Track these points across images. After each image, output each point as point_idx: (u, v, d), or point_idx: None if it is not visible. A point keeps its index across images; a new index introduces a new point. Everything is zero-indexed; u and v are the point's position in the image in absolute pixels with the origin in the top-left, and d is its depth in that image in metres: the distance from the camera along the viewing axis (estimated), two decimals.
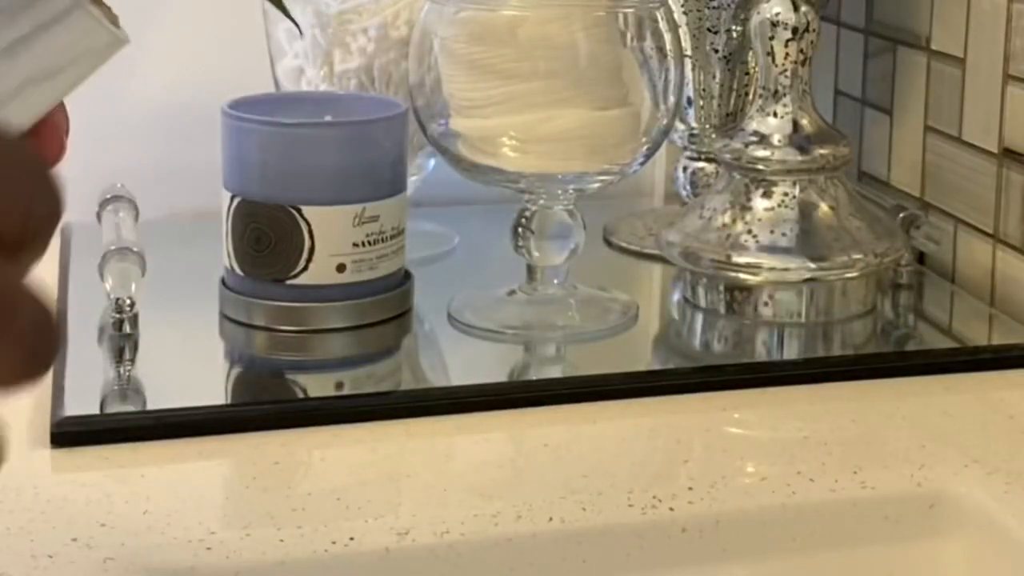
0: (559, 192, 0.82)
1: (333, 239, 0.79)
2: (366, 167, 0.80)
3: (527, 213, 0.82)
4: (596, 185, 0.82)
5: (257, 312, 0.80)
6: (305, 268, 0.79)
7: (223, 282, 0.82)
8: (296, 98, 0.89)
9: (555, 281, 0.83)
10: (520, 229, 0.82)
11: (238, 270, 0.80)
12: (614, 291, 0.87)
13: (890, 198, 0.96)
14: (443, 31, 0.82)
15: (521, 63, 0.80)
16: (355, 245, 0.79)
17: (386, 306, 0.81)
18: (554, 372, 0.81)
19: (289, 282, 0.79)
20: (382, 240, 0.80)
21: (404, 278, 0.82)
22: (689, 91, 0.96)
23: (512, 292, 0.84)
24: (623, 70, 0.81)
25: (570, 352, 0.81)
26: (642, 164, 0.83)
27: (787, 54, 0.83)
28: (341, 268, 0.79)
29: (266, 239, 0.79)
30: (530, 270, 0.83)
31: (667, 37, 0.82)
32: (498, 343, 0.81)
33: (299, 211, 0.78)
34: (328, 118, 0.83)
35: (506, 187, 0.82)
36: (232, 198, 0.80)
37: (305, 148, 0.79)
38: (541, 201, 0.82)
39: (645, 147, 0.82)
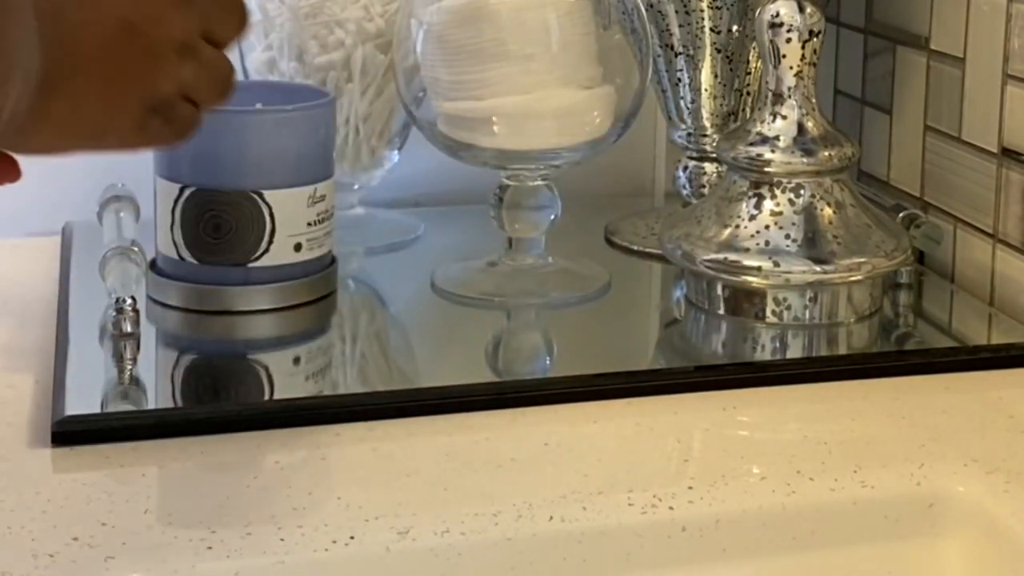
0: (538, 167, 0.87)
1: (291, 220, 0.82)
2: (315, 150, 0.84)
3: (506, 187, 0.88)
4: (575, 159, 0.88)
5: (215, 297, 0.82)
6: (267, 250, 0.82)
7: (156, 270, 0.84)
8: (244, 87, 0.89)
9: (533, 252, 0.89)
10: (499, 202, 0.88)
11: (190, 258, 0.82)
12: (587, 263, 0.93)
13: (890, 198, 0.96)
14: (427, 17, 0.86)
15: (502, 46, 0.84)
16: (308, 224, 0.83)
17: (327, 282, 0.86)
18: (533, 339, 0.86)
19: (251, 265, 0.82)
20: (327, 219, 0.84)
21: (331, 258, 0.87)
22: (690, 90, 0.96)
23: (492, 263, 0.90)
24: (599, 52, 0.87)
25: (544, 318, 0.87)
26: (614, 141, 0.89)
27: (793, 56, 0.83)
28: (298, 247, 0.83)
29: (227, 225, 0.81)
30: (509, 242, 0.89)
31: (637, 20, 0.88)
32: (479, 309, 0.87)
33: (261, 195, 0.81)
34: (259, 105, 0.85)
35: (486, 164, 0.87)
36: (182, 188, 0.81)
37: (261, 134, 0.82)
38: (522, 175, 0.88)
39: (619, 125, 0.88)
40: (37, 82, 0.53)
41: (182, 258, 0.82)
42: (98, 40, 0.55)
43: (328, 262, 0.86)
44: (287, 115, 0.83)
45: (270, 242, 0.82)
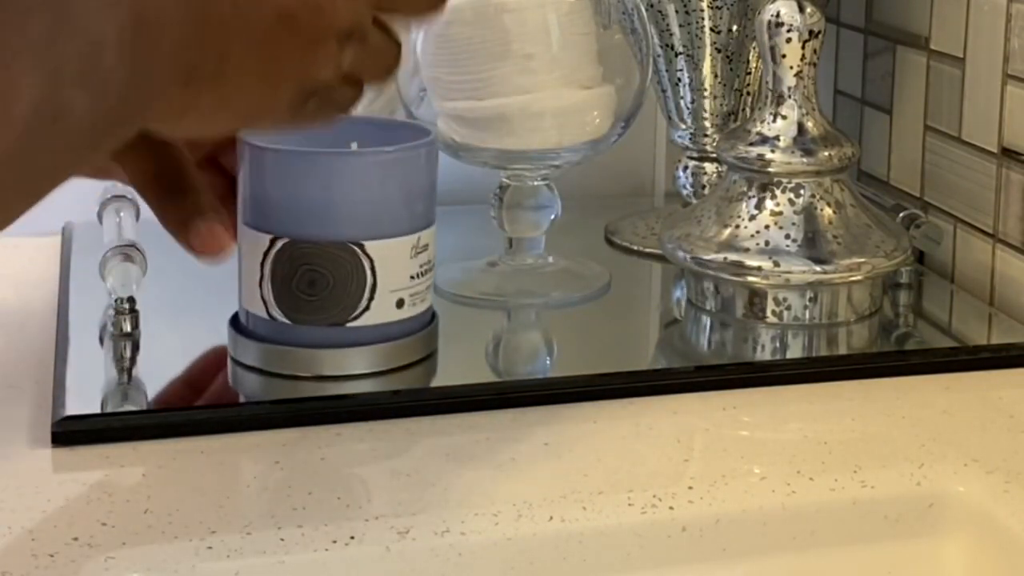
0: (538, 167, 0.88)
1: (394, 274, 0.74)
2: (420, 194, 0.75)
3: (506, 187, 0.88)
4: (575, 159, 0.88)
5: (308, 361, 0.74)
6: (367, 308, 0.74)
7: (240, 328, 0.76)
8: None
9: (533, 252, 0.89)
10: (499, 202, 0.88)
11: (281, 317, 0.74)
12: (587, 263, 0.92)
13: (890, 198, 0.96)
14: None
15: (502, 46, 0.84)
16: (412, 278, 0.75)
17: (429, 342, 0.77)
18: (533, 339, 0.85)
19: (349, 325, 0.74)
20: (430, 270, 0.76)
21: (432, 314, 0.78)
22: (690, 90, 0.96)
23: (492, 263, 0.90)
24: (599, 52, 0.87)
25: (544, 318, 0.87)
26: (614, 142, 0.89)
27: (793, 56, 0.83)
28: (400, 304, 0.75)
29: (323, 281, 0.73)
30: (509, 242, 0.89)
31: (637, 20, 0.88)
32: (479, 309, 0.86)
33: (361, 247, 0.73)
34: (354, 145, 0.75)
35: (486, 164, 0.87)
36: (273, 239, 0.72)
37: (362, 178, 0.73)
38: (522, 175, 0.88)
39: (619, 125, 0.88)
40: (183, 77, 0.50)
41: (272, 317, 0.73)
42: (254, 34, 0.52)
43: (429, 319, 0.77)
44: (391, 157, 0.74)
45: (371, 298, 0.73)
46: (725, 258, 0.82)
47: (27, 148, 0.41)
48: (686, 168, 0.98)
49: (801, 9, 0.83)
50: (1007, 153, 0.88)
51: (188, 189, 0.66)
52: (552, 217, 0.88)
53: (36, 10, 0.38)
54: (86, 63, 0.41)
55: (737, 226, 0.83)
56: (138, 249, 0.80)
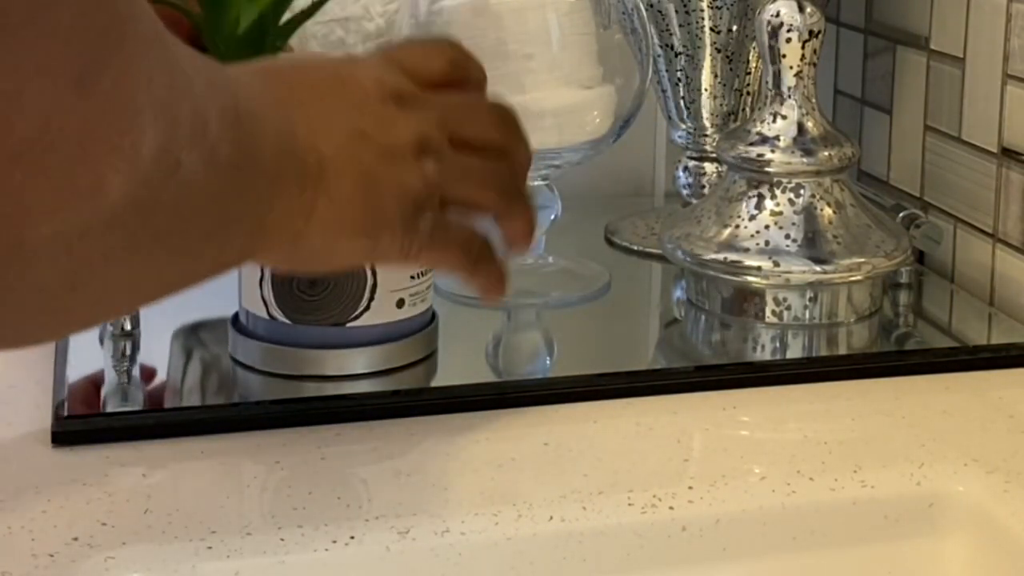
0: (538, 167, 0.87)
1: (394, 274, 0.74)
2: None
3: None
4: (575, 159, 0.87)
5: (308, 361, 0.74)
6: (367, 308, 0.74)
7: (239, 328, 0.76)
8: None
9: (533, 252, 0.88)
10: None
11: (281, 317, 0.74)
12: (587, 263, 0.92)
13: (890, 198, 0.96)
14: (427, 17, 0.86)
15: (502, 46, 0.84)
16: (412, 278, 0.75)
17: (428, 342, 0.77)
18: (533, 339, 0.85)
19: (350, 325, 0.74)
20: (431, 270, 0.76)
21: (432, 314, 0.78)
22: (690, 90, 0.96)
23: None
24: (599, 52, 0.87)
25: (544, 318, 0.86)
26: (614, 142, 0.88)
27: (793, 56, 0.83)
28: (400, 304, 0.75)
29: (323, 281, 0.73)
30: None
31: (637, 20, 0.88)
32: (479, 309, 0.84)
33: None
34: None
35: None
36: None
37: None
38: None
39: (619, 125, 0.88)
40: (293, 177, 0.55)
41: (272, 317, 0.74)
42: (337, 148, 0.58)
43: (429, 319, 0.77)
44: None
45: (371, 298, 0.74)
46: (725, 258, 0.82)
47: (155, 199, 0.45)
48: (686, 168, 0.98)
49: (801, 9, 0.83)
50: (1007, 153, 0.88)
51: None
52: (552, 217, 0.88)
53: (156, 75, 0.44)
54: (196, 128, 0.46)
55: (737, 226, 0.83)
56: None
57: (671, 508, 0.64)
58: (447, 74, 0.65)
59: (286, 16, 0.87)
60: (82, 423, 0.69)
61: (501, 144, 0.65)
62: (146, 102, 0.43)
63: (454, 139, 0.63)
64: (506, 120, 0.66)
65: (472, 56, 0.67)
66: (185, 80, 0.46)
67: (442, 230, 0.62)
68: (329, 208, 0.57)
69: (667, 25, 0.95)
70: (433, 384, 0.77)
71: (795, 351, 0.82)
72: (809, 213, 0.83)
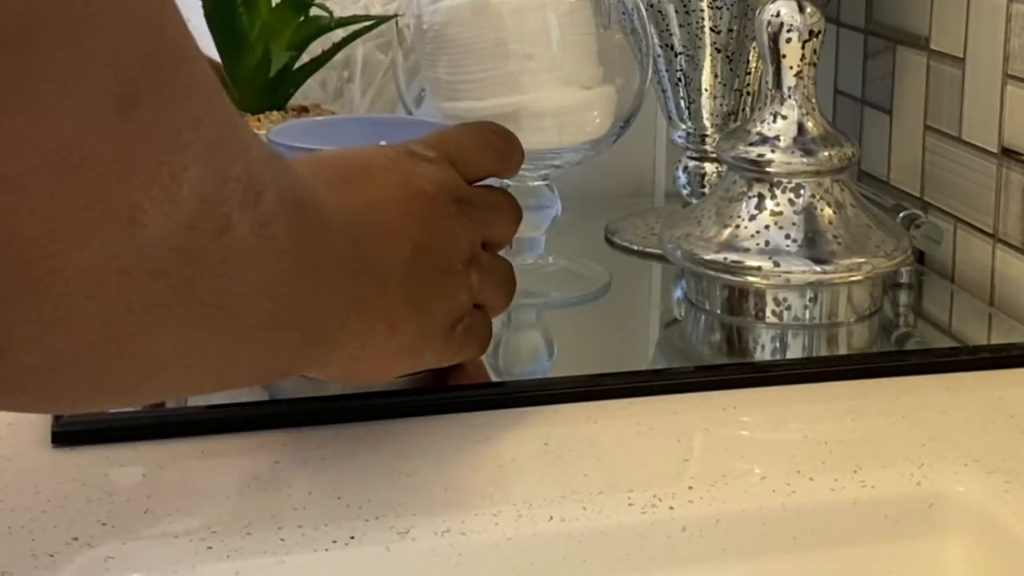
0: (538, 167, 0.87)
1: None
2: None
3: (506, 187, 0.87)
4: (575, 159, 0.87)
5: None
6: None
7: None
8: (334, 123, 0.86)
9: (533, 252, 0.89)
10: None
11: None
12: (587, 263, 0.92)
13: (890, 198, 0.96)
14: (427, 17, 0.86)
15: (502, 46, 0.84)
16: None
17: None
18: (533, 339, 0.85)
19: None
20: None
21: None
22: (690, 90, 0.96)
23: None
24: (599, 52, 0.87)
25: (544, 318, 0.86)
26: (614, 142, 0.89)
27: (793, 56, 0.83)
28: None
29: None
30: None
31: (637, 20, 0.88)
32: None
33: None
34: (383, 143, 0.72)
35: None
36: None
37: None
38: (522, 175, 0.87)
39: (619, 125, 0.88)
40: (352, 299, 0.56)
41: None
42: (399, 266, 0.59)
43: None
44: None
45: None
46: (725, 258, 0.82)
47: (201, 253, 0.44)
48: (686, 168, 0.98)
49: (801, 9, 0.83)
50: (1007, 153, 0.88)
51: None
52: (552, 217, 0.88)
53: (207, 122, 0.43)
54: (248, 193, 0.46)
55: (737, 226, 0.83)
56: None
57: (671, 508, 0.64)
58: (496, 172, 0.68)
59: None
60: (82, 423, 0.69)
61: (509, 241, 0.69)
62: (191, 140, 0.43)
63: (487, 242, 0.66)
64: (519, 213, 0.69)
65: (515, 141, 0.70)
66: (240, 142, 0.46)
67: (470, 332, 0.66)
68: (386, 334, 0.59)
69: (667, 25, 0.95)
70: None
71: (795, 351, 0.82)
72: (809, 213, 0.83)
